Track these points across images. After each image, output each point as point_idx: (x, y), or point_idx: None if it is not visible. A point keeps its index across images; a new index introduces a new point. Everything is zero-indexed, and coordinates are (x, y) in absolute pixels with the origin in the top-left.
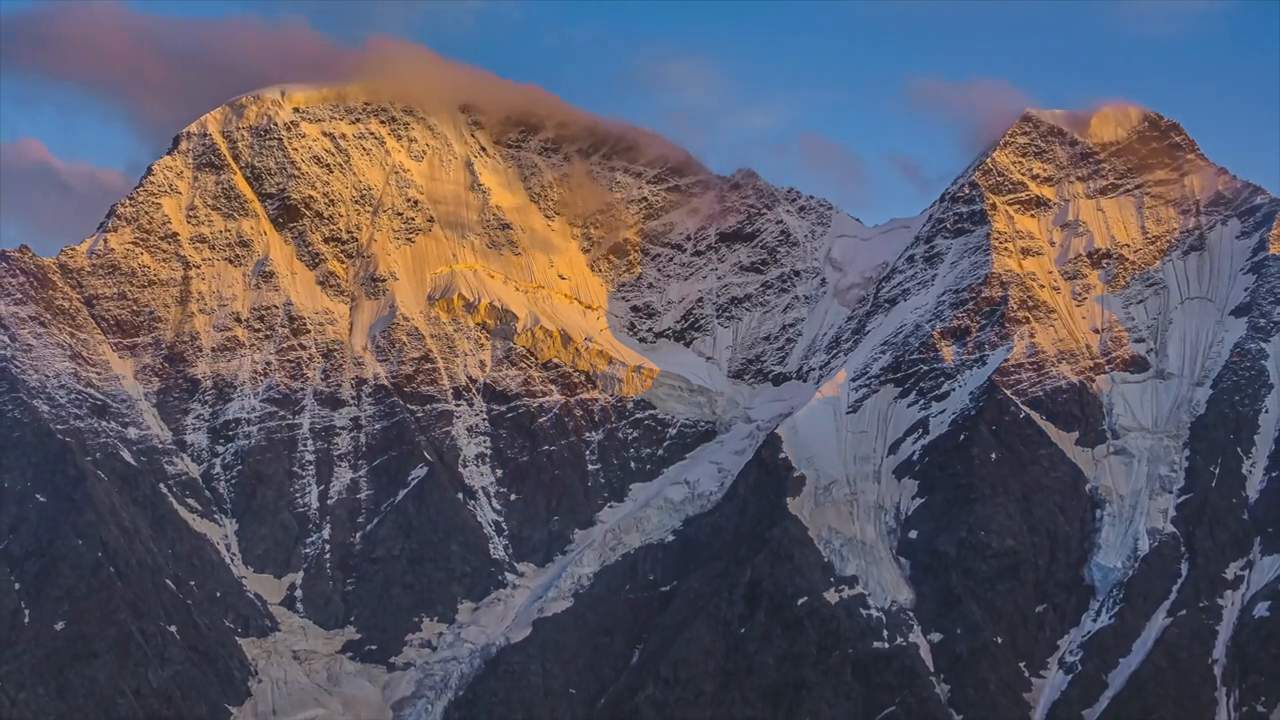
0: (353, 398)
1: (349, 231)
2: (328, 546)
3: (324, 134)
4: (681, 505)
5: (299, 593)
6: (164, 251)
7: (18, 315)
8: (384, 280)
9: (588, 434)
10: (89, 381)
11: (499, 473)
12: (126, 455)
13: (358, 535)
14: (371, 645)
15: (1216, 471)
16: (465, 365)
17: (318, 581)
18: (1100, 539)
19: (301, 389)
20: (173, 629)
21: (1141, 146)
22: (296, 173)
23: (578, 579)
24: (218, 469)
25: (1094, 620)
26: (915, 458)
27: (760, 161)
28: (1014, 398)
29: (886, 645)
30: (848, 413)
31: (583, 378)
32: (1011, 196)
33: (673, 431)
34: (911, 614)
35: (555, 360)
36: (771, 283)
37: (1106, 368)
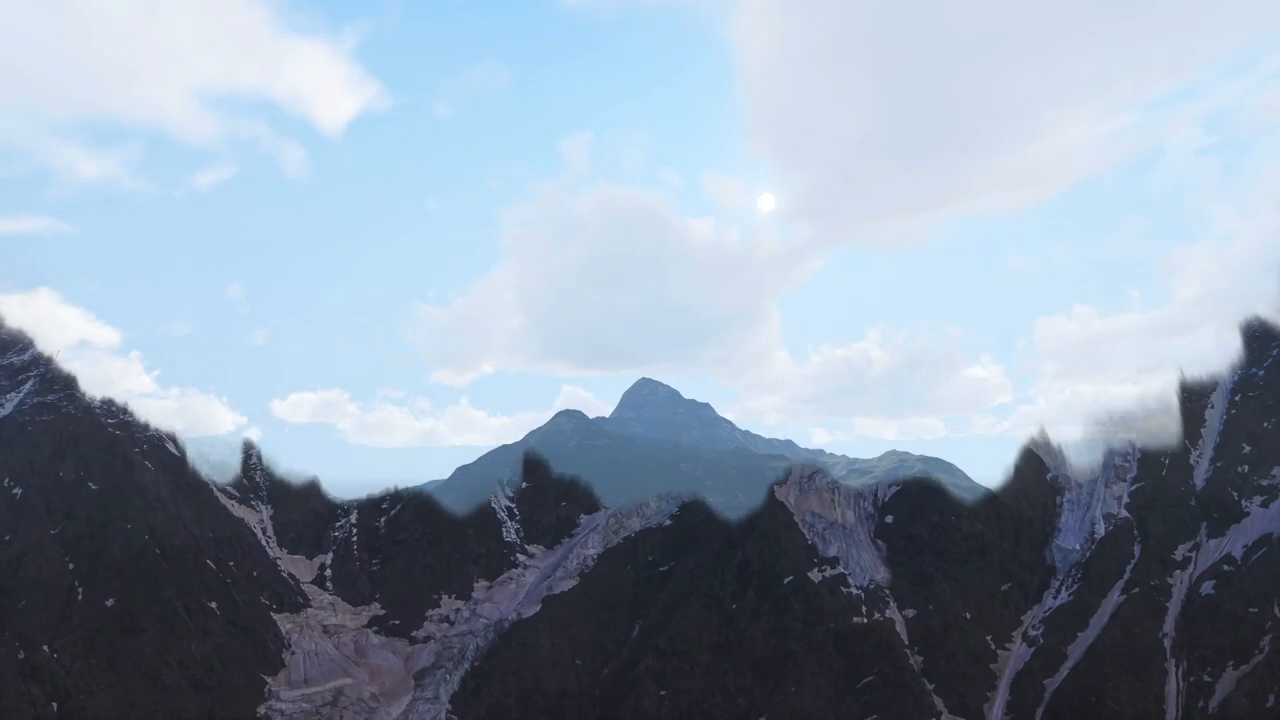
0: None
1: None
2: (355, 530)
3: None
4: (678, 493)
5: (329, 572)
6: None
7: None
8: None
9: None
10: None
11: None
12: (172, 448)
13: (382, 520)
14: (395, 620)
15: (1166, 462)
16: None
17: (346, 562)
18: (1060, 524)
19: None
20: (213, 605)
21: None
22: None
23: (583, 560)
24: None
25: (1055, 597)
26: None
27: None
28: None
29: (865, 620)
30: None
31: None
32: None
33: None
34: (888, 591)
35: None
36: None
37: None
